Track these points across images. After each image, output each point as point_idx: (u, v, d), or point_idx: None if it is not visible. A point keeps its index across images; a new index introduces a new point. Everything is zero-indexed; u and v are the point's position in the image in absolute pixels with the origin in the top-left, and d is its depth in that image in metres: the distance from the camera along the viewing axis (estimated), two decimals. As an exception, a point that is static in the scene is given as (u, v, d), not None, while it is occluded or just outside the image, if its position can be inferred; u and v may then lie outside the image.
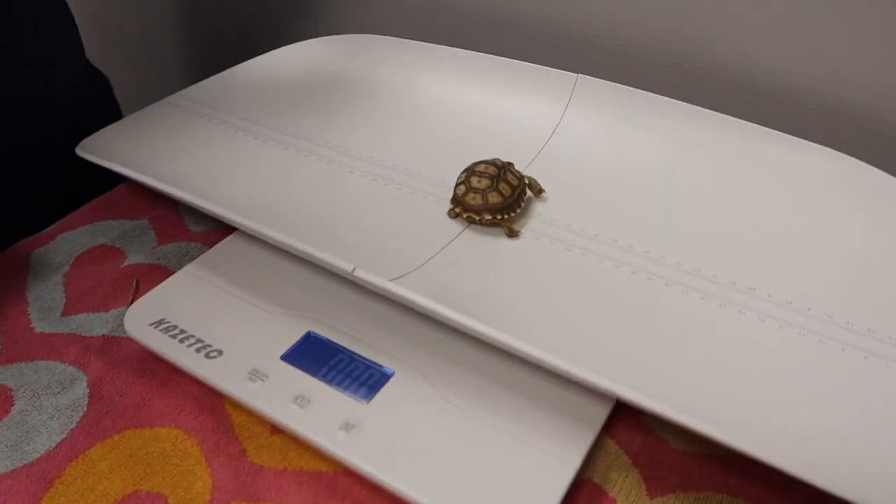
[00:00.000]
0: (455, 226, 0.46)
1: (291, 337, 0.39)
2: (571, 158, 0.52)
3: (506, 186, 0.45)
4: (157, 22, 0.99)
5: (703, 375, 0.35)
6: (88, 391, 0.40)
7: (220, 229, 0.52)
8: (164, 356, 0.39)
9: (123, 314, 0.43)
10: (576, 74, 0.55)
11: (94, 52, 0.68)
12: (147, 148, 0.53)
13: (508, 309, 0.39)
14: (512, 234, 0.45)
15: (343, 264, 0.36)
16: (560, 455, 0.33)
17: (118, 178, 0.57)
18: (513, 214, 0.45)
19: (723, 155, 0.50)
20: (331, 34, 0.66)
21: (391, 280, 0.37)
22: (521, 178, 0.47)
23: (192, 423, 0.38)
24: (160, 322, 0.40)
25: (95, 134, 0.54)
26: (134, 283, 0.47)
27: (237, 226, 0.42)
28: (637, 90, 0.54)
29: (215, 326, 0.40)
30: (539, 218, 0.47)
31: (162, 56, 1.01)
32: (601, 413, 0.35)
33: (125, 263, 0.49)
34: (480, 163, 0.47)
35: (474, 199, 0.45)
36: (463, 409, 0.35)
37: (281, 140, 0.54)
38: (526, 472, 0.33)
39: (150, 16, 0.99)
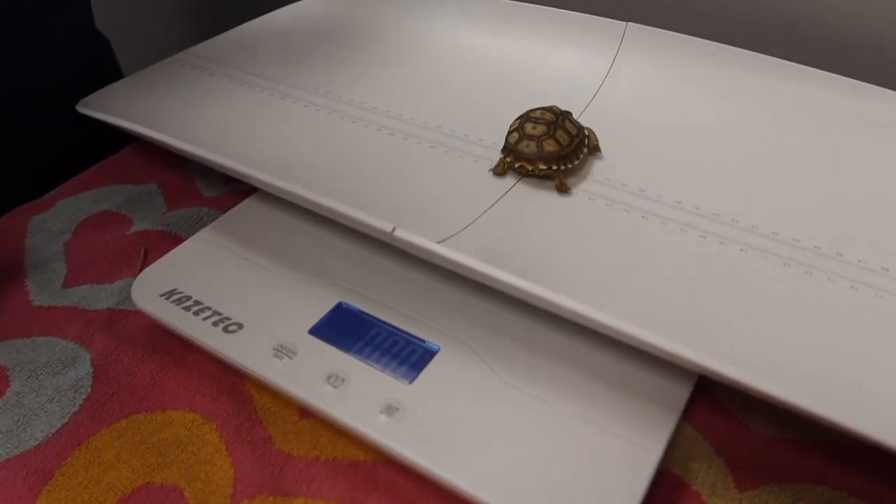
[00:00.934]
0: (499, 184, 0.41)
1: (320, 308, 0.35)
2: (622, 113, 0.47)
3: (563, 135, 0.41)
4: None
5: (800, 350, 0.31)
6: (92, 370, 0.35)
7: (235, 193, 0.47)
8: (176, 330, 0.34)
9: (130, 285, 0.38)
10: (625, 23, 0.50)
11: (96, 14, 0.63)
12: (155, 105, 0.48)
13: (569, 273, 0.34)
14: (563, 189, 0.40)
15: (381, 224, 0.32)
16: (639, 441, 0.29)
17: (123, 142, 0.53)
18: (569, 166, 0.40)
19: (789, 104, 0.45)
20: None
21: (437, 242, 0.32)
22: (580, 128, 0.42)
23: (210, 406, 0.33)
24: (172, 293, 0.36)
25: (99, 91, 0.49)
26: (142, 252, 0.42)
27: (258, 184, 0.37)
28: (691, 37, 0.48)
29: (234, 297, 0.35)
30: (591, 177, 0.42)
31: (165, 18, 0.96)
32: (682, 392, 0.31)
33: (132, 230, 0.44)
34: (536, 109, 0.43)
35: (528, 147, 0.40)
36: (521, 390, 0.31)
37: (300, 97, 0.49)
38: (599, 461, 0.28)
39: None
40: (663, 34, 0.49)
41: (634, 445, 0.28)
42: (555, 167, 0.40)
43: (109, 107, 0.46)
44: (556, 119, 0.41)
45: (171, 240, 0.43)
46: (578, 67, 0.50)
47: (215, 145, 0.42)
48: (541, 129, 0.41)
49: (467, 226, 0.37)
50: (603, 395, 0.30)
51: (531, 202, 0.40)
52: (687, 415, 0.32)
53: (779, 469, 0.31)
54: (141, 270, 0.41)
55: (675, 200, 0.40)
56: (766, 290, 0.34)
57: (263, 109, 0.48)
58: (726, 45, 0.48)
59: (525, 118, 0.42)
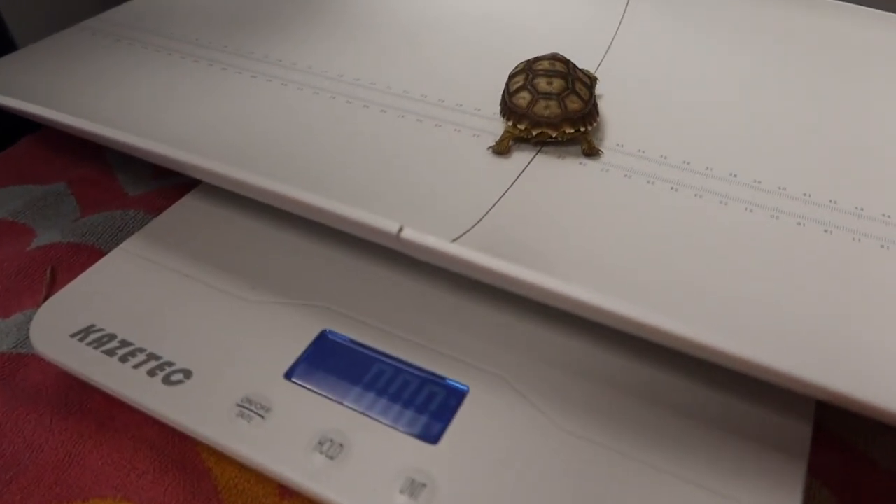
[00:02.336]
0: (509, 162, 0.32)
1: (298, 341, 0.25)
2: (636, 69, 0.38)
3: (582, 88, 0.33)
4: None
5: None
6: (-20, 446, 0.25)
7: (168, 189, 0.37)
8: (97, 384, 0.25)
9: (30, 323, 0.28)
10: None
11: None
12: (60, 82, 0.38)
13: (623, 273, 0.26)
14: (592, 151, 0.33)
15: (386, 224, 0.22)
16: (766, 509, 0.21)
17: (18, 132, 0.42)
18: (595, 124, 0.33)
19: (832, 47, 0.38)
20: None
21: (451, 241, 0.23)
22: (591, 77, 0.35)
23: (152, 491, 0.24)
24: (88, 331, 0.26)
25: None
26: (48, 273, 0.32)
27: (211, 179, 0.27)
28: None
29: (176, 332, 0.26)
30: (609, 143, 0.33)
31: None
32: (803, 431, 0.23)
33: (34, 244, 0.34)
34: (539, 60, 0.34)
35: (548, 108, 0.32)
36: (587, 438, 0.22)
37: (246, 66, 0.40)
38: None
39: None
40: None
41: (762, 515, 0.20)
42: (582, 128, 0.32)
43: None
44: (569, 69, 0.33)
45: (88, 254, 0.33)
46: (584, 19, 0.42)
47: (143, 128, 0.33)
48: (558, 83, 0.32)
49: (481, 218, 0.29)
50: (700, 441, 0.22)
51: (553, 180, 0.31)
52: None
53: (925, 519, 0.23)
54: (47, 298, 0.31)
55: (705, 167, 0.32)
56: (870, 278, 0.26)
57: (200, 83, 0.38)
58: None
59: (530, 72, 0.33)
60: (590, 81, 0.34)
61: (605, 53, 0.40)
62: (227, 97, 0.37)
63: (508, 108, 0.33)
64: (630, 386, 0.24)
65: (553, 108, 0.32)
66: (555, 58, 0.34)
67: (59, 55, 0.41)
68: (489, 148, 0.33)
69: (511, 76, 0.35)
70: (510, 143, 0.33)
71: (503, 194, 0.30)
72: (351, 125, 0.35)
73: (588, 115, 0.33)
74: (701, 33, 0.40)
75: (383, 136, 0.34)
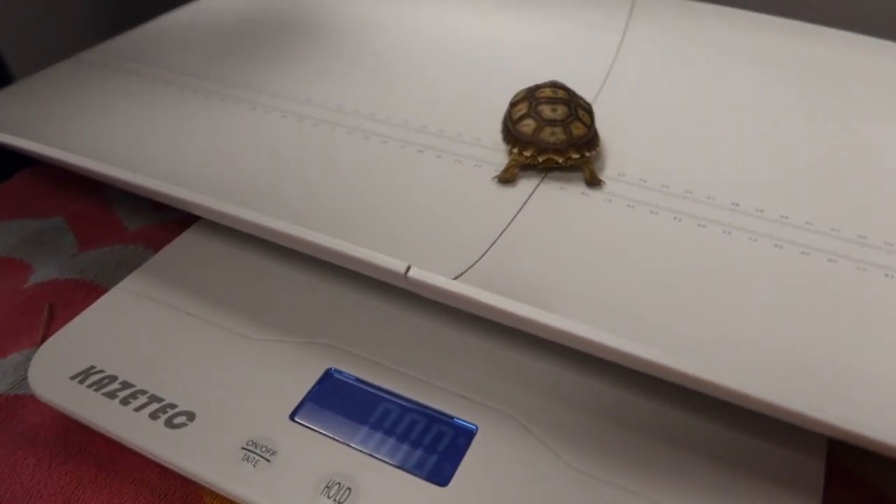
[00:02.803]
0: (513, 192, 0.32)
1: (303, 380, 0.25)
2: (635, 98, 0.39)
3: (584, 114, 0.34)
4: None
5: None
6: (-23, 492, 0.25)
7: (167, 223, 0.37)
8: (97, 427, 0.24)
9: (30, 360, 0.28)
10: (633, -8, 0.43)
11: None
12: (55, 114, 0.38)
13: (631, 307, 0.26)
14: (594, 181, 0.33)
15: (393, 265, 0.22)
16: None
17: (15, 165, 0.42)
18: (597, 149, 0.33)
19: (831, 74, 0.38)
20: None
21: (453, 278, 0.23)
22: (589, 104, 0.35)
23: (154, 537, 0.23)
24: (88, 372, 0.25)
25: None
26: (46, 310, 0.32)
27: (212, 216, 0.27)
28: (708, 5, 0.41)
29: (178, 373, 0.25)
30: (611, 172, 0.33)
31: (66, 15, 0.83)
32: (816, 466, 0.22)
33: (31, 281, 0.33)
34: (540, 87, 0.34)
35: (554, 135, 0.32)
36: (601, 479, 0.22)
37: (245, 97, 0.39)
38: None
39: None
40: (678, 1, 0.42)
41: (781, 558, 0.20)
42: (587, 153, 0.33)
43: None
44: (570, 96, 0.34)
45: (87, 290, 0.33)
46: (583, 46, 0.42)
47: (141, 162, 0.32)
48: (562, 110, 0.33)
49: (486, 251, 0.28)
50: (711, 480, 0.22)
51: (556, 211, 0.31)
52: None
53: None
54: (45, 338, 0.30)
55: (732, 202, 0.32)
56: (875, 308, 0.26)
57: (199, 115, 0.38)
58: (748, 11, 0.41)
59: (533, 100, 0.34)
60: (590, 108, 0.35)
61: (604, 82, 0.40)
62: (225, 129, 0.37)
63: (513, 136, 0.33)
64: (641, 424, 0.24)
65: (559, 135, 0.32)
66: (556, 85, 0.34)
67: (54, 88, 0.40)
68: (494, 177, 0.33)
69: (513, 104, 0.35)
70: (516, 171, 0.33)
71: (507, 226, 0.30)
72: (352, 157, 0.35)
73: (591, 140, 0.33)
74: (699, 61, 0.40)
75: (385, 167, 0.34)
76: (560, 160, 0.32)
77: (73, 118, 0.37)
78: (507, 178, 0.33)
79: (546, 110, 0.33)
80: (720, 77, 0.39)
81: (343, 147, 0.35)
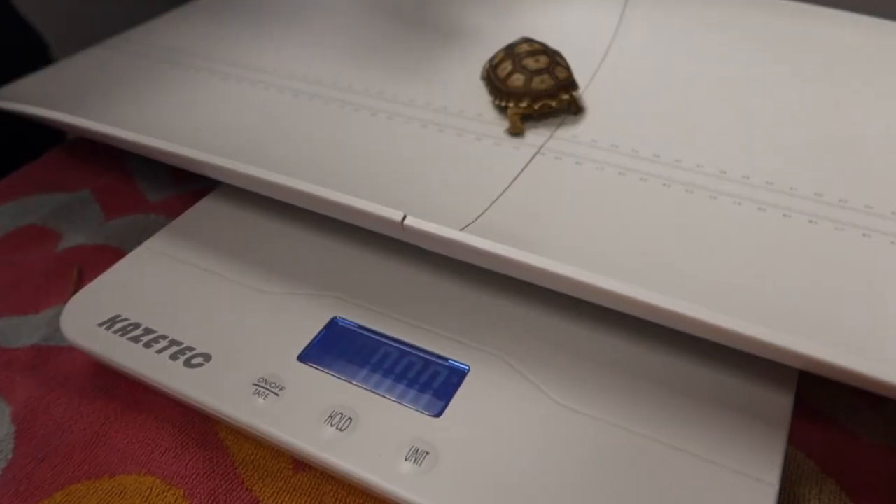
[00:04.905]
0: (511, 160, 0.34)
1: (310, 327, 0.27)
2: (629, 74, 0.40)
3: (562, 59, 0.38)
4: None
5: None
6: (14, 429, 0.27)
7: (186, 195, 0.39)
8: (123, 369, 0.27)
9: (61, 314, 0.30)
10: (629, -25, 0.44)
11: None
12: (86, 94, 0.40)
13: (618, 256, 0.28)
14: (580, 109, 0.37)
15: (388, 213, 0.24)
16: (749, 471, 0.22)
17: (45, 144, 0.44)
18: (578, 88, 0.37)
19: (822, 50, 0.39)
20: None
21: (459, 230, 0.25)
22: (558, 51, 0.39)
23: (174, 466, 0.26)
24: (114, 320, 0.28)
25: (16, 82, 0.41)
26: (75, 272, 0.34)
27: (228, 177, 0.29)
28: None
29: (196, 320, 0.28)
30: (604, 143, 0.35)
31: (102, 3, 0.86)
32: (785, 400, 0.24)
33: (61, 247, 0.36)
34: (516, 45, 0.38)
35: (543, 82, 0.36)
36: (580, 412, 0.24)
37: (261, 80, 0.42)
38: (705, 501, 0.21)
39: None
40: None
41: (746, 478, 0.22)
42: (574, 92, 0.36)
43: (29, 97, 0.37)
44: (546, 47, 0.38)
45: (112, 255, 0.35)
46: (579, 27, 0.44)
47: (165, 135, 0.35)
48: (543, 59, 0.36)
49: (486, 209, 0.30)
50: (688, 412, 0.24)
51: (551, 178, 0.33)
52: (782, 427, 0.26)
53: (905, 486, 0.25)
54: (74, 294, 0.33)
55: (720, 170, 0.33)
56: (849, 263, 0.28)
57: (216, 94, 0.40)
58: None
59: (514, 56, 0.37)
60: (561, 54, 0.38)
61: (602, 60, 0.42)
62: (241, 106, 0.39)
63: (506, 92, 0.36)
64: (622, 363, 0.25)
65: (547, 81, 0.35)
66: (529, 40, 0.38)
67: (82, 71, 0.43)
68: (506, 130, 0.36)
69: (494, 65, 0.38)
70: (519, 121, 0.35)
71: (505, 189, 0.32)
72: (362, 130, 0.37)
73: (574, 80, 0.37)
74: (692, 38, 0.42)
75: (393, 139, 0.36)
76: (554, 103, 0.36)
77: (102, 97, 0.40)
78: (516, 131, 0.36)
79: (530, 62, 0.36)
80: (713, 54, 0.41)
81: (353, 123, 0.37)
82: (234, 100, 0.40)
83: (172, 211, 0.38)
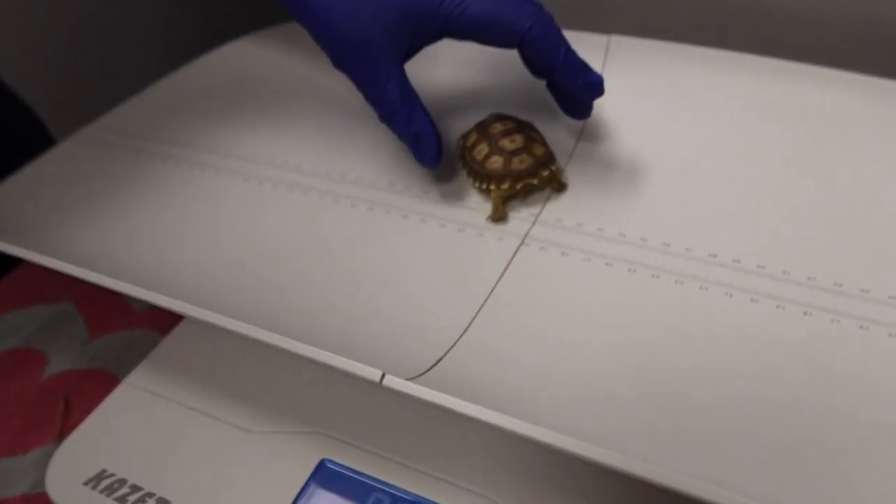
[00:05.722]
0: (493, 258, 0.33)
1: (299, 472, 0.27)
2: (610, 151, 0.39)
3: (536, 134, 0.37)
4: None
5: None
6: None
7: (172, 304, 0.38)
8: (112, 531, 0.26)
9: (50, 456, 0.30)
10: (607, 36, 0.43)
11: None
12: (55, 210, 0.39)
13: (613, 388, 0.27)
14: (561, 187, 0.36)
15: (367, 373, 0.24)
16: None
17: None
18: (556, 163, 0.36)
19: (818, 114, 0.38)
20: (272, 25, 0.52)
21: (421, 374, 0.24)
22: (531, 123, 0.38)
23: None
24: (100, 477, 0.27)
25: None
26: (62, 404, 0.34)
27: (198, 320, 0.29)
28: (690, 46, 0.42)
29: (182, 473, 0.27)
30: (590, 228, 0.34)
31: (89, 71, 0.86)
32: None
33: (47, 373, 0.35)
34: (487, 124, 0.37)
35: (522, 162, 0.35)
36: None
37: (237, 169, 0.41)
38: None
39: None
40: (653, 44, 0.42)
41: None
42: (553, 167, 0.35)
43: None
44: (519, 123, 0.36)
45: (98, 379, 0.35)
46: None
47: (132, 263, 0.34)
48: (519, 138, 0.35)
49: (461, 334, 0.29)
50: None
51: (537, 281, 0.32)
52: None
53: None
54: (62, 433, 0.32)
55: (710, 254, 0.32)
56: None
57: (191, 194, 0.39)
58: (726, 51, 0.41)
59: (486, 137, 0.36)
60: (535, 126, 0.37)
61: (579, 136, 0.41)
62: (225, 213, 0.38)
63: (485, 175, 0.35)
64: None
65: (526, 161, 0.34)
66: (500, 117, 0.37)
67: (49, 178, 0.42)
68: (487, 218, 0.35)
69: (469, 147, 0.36)
70: (501, 204, 0.35)
71: (487, 297, 0.31)
72: (341, 226, 0.36)
73: (552, 155, 0.36)
74: (677, 108, 0.41)
75: (373, 236, 0.35)
76: (535, 181, 0.35)
77: (71, 212, 0.39)
78: (499, 217, 0.35)
79: (506, 143, 0.35)
80: (698, 127, 0.39)
81: (330, 216, 0.36)
82: (211, 199, 0.39)
83: (158, 323, 0.37)
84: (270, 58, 0.50)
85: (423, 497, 0.25)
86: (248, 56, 0.50)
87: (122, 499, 0.26)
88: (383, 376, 0.23)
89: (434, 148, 0.34)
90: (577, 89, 0.34)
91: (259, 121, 0.45)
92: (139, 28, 0.84)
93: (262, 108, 0.46)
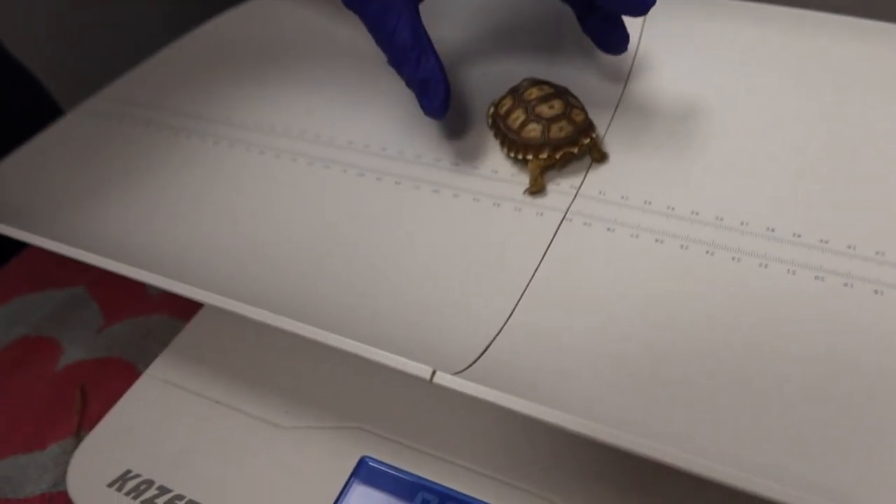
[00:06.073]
0: (535, 241, 0.31)
1: (339, 472, 0.25)
2: (652, 121, 0.37)
3: (574, 99, 0.34)
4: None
5: None
6: None
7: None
8: (140, 535, 0.24)
9: (69, 451, 0.28)
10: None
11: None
12: (61, 188, 0.37)
13: (672, 378, 0.25)
14: (602, 157, 0.34)
15: (417, 370, 0.21)
16: None
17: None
18: (596, 130, 0.34)
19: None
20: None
21: (461, 372, 0.22)
22: (566, 87, 0.35)
23: None
24: (124, 478, 0.26)
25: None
26: (78, 395, 0.32)
27: (231, 310, 0.27)
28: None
29: (213, 473, 0.25)
30: (636, 201, 0.32)
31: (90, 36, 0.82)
32: None
33: (61, 363, 0.34)
34: (522, 89, 0.34)
35: (562, 130, 0.32)
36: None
37: (252, 141, 0.38)
38: None
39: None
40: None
41: None
42: (594, 135, 0.33)
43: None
44: (556, 88, 0.34)
45: (115, 369, 0.33)
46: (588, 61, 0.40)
47: (145, 246, 0.32)
48: (558, 104, 0.33)
49: (504, 323, 0.27)
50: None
51: (583, 259, 0.30)
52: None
53: None
54: (80, 427, 0.30)
55: (768, 227, 0.30)
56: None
57: (205, 171, 0.37)
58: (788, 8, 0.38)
59: (523, 103, 0.34)
60: (571, 91, 0.35)
61: (618, 104, 0.38)
62: (242, 188, 0.36)
63: (522, 144, 0.33)
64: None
65: (566, 128, 0.32)
66: (536, 82, 0.34)
67: (56, 152, 0.40)
68: (525, 191, 0.32)
69: (503, 115, 0.34)
70: (540, 175, 0.32)
71: (529, 281, 0.29)
72: (368, 205, 0.33)
73: (592, 121, 0.33)
74: (719, 70, 0.38)
75: (405, 216, 0.33)
76: (576, 150, 0.32)
77: (81, 190, 0.37)
78: (537, 189, 0.32)
79: (544, 109, 0.33)
80: (745, 84, 0.37)
81: (357, 193, 0.34)
82: (226, 175, 0.36)
83: (177, 308, 0.35)
84: (285, 19, 0.47)
85: (472, 497, 0.24)
86: (261, 18, 0.47)
87: (150, 502, 0.25)
88: (434, 374, 0.21)
89: (442, 95, 0.31)
90: (622, 8, 0.31)
91: (274, 87, 0.42)
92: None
93: (277, 73, 0.43)
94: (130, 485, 0.25)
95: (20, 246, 0.40)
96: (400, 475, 0.25)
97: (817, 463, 0.21)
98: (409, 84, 0.32)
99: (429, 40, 0.32)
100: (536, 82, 0.34)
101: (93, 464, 0.26)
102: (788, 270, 0.28)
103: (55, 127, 0.42)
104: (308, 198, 0.34)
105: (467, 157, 0.35)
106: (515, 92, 0.34)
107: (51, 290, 0.37)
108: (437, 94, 0.32)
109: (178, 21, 0.51)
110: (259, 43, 0.46)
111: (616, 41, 0.34)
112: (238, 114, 0.41)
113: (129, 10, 0.83)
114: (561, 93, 0.34)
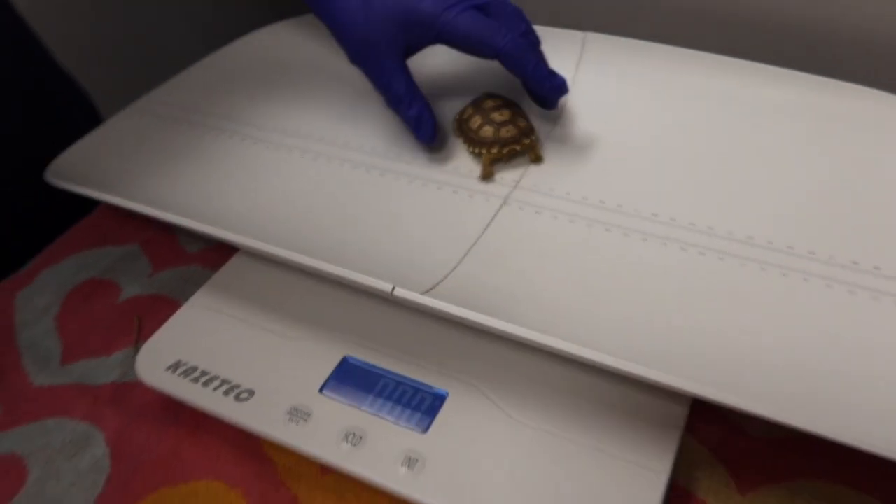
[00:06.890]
0: (479, 215, 0.42)
1: (327, 365, 0.36)
2: (590, 126, 0.48)
3: (519, 109, 0.46)
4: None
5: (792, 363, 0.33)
6: (109, 449, 0.36)
7: (217, 247, 0.47)
8: (188, 403, 0.35)
9: (129, 357, 0.39)
10: (583, 33, 0.51)
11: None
12: (124, 165, 0.48)
13: (564, 307, 0.36)
14: (538, 159, 0.45)
15: (380, 285, 0.33)
16: (648, 464, 0.30)
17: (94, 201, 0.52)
18: (535, 134, 0.45)
19: (769, 108, 0.47)
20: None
21: (425, 292, 0.33)
22: (515, 101, 0.47)
23: (234, 472, 0.34)
24: (177, 365, 0.36)
25: (62, 155, 0.49)
26: (136, 321, 0.43)
27: (243, 248, 0.38)
28: (656, 44, 0.50)
29: (239, 363, 0.36)
30: (576, 196, 0.43)
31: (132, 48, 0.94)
32: (681, 412, 0.33)
33: (121, 298, 0.44)
34: (481, 101, 0.46)
35: (508, 131, 0.44)
36: (532, 426, 0.32)
37: (271, 139, 0.50)
38: (614, 487, 0.30)
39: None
40: (625, 42, 0.50)
41: (644, 469, 0.30)
42: (533, 137, 0.45)
43: (78, 173, 0.45)
44: (505, 100, 0.46)
45: (163, 303, 0.44)
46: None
47: (191, 206, 0.43)
48: (507, 112, 0.45)
49: (455, 267, 0.38)
50: (608, 423, 0.32)
51: (514, 231, 0.41)
52: (686, 425, 0.34)
53: (776, 469, 0.33)
54: (137, 340, 0.41)
55: (653, 213, 0.41)
56: (757, 302, 0.35)
57: (236, 157, 0.48)
58: (691, 50, 0.49)
59: (481, 111, 0.45)
60: (518, 104, 0.46)
61: (556, 121, 0.49)
62: (260, 170, 0.47)
63: (478, 141, 0.44)
64: (563, 386, 0.34)
65: (511, 130, 0.44)
66: (491, 95, 0.46)
67: (118, 139, 0.51)
68: (478, 177, 0.44)
69: (465, 119, 0.46)
70: (492, 165, 0.44)
71: (475, 241, 0.40)
72: (361, 189, 0.45)
73: (532, 127, 0.45)
74: (641, 99, 0.49)
75: (388, 196, 0.44)
76: (518, 147, 0.44)
77: (137, 166, 0.48)
78: (487, 175, 0.44)
79: (496, 115, 0.44)
80: (660, 112, 0.48)
81: (355, 182, 0.45)
82: (253, 164, 0.48)
83: (208, 261, 0.46)
84: (300, 42, 0.58)
85: (420, 382, 0.34)
86: (280, 40, 0.59)
87: (196, 379, 0.35)
88: (393, 289, 0.32)
89: (430, 129, 0.44)
90: (544, 93, 0.43)
91: (289, 98, 0.54)
92: (178, 14, 0.92)
93: (292, 87, 0.55)
94: (182, 369, 0.36)
95: (87, 211, 0.51)
96: (370, 368, 0.35)
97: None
98: (405, 121, 0.44)
99: (417, 88, 0.44)
100: (492, 95, 0.46)
101: (154, 355, 0.37)
102: (662, 243, 0.39)
103: (111, 121, 0.53)
104: (312, 181, 0.45)
105: (436, 158, 0.47)
106: (476, 103, 0.46)
107: (109, 246, 0.48)
108: (427, 128, 0.44)
109: (203, 39, 0.62)
110: (277, 61, 0.57)
111: (546, 105, 0.46)
112: (259, 118, 0.52)
113: (159, 31, 0.94)
114: (510, 104, 0.46)
